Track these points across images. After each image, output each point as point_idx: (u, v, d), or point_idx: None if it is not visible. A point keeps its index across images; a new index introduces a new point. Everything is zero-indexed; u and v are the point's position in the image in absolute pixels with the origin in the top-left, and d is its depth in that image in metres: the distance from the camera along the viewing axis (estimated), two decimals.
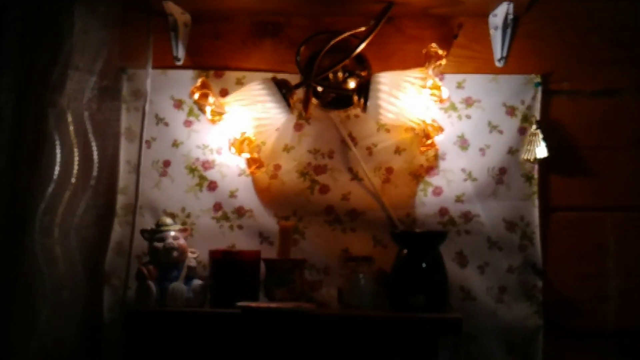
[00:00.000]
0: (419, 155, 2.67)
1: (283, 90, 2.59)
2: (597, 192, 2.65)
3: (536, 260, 2.61)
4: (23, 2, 2.59)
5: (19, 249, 2.48)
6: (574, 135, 2.66)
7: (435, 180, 2.66)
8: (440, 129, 2.59)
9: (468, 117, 2.67)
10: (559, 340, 2.61)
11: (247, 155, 2.64)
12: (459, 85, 2.67)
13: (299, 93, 2.65)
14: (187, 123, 2.71)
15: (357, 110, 2.67)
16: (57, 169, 2.52)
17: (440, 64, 2.56)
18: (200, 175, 2.69)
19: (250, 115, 2.60)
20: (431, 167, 2.67)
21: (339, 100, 2.69)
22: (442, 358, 2.53)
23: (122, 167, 2.70)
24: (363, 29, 2.60)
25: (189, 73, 2.72)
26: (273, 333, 2.50)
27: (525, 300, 2.60)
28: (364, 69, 2.69)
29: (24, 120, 2.58)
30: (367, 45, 2.59)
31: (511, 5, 2.58)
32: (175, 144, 2.70)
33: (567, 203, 2.65)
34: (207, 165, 2.69)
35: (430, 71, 2.55)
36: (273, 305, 2.44)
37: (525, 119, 2.64)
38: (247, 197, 2.69)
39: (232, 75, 2.72)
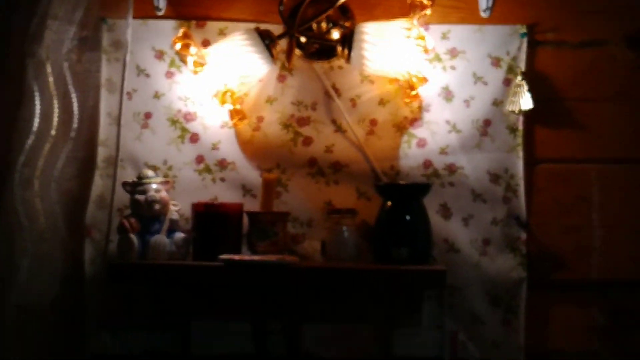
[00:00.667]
0: (403, 107, 2.64)
1: (266, 41, 2.56)
2: (582, 144, 2.64)
3: (520, 212, 2.61)
4: None
5: None
6: (560, 87, 2.65)
7: (419, 132, 2.64)
8: (424, 80, 2.57)
9: (453, 68, 2.64)
10: (543, 292, 2.61)
11: (230, 107, 2.61)
12: (444, 36, 2.65)
13: (282, 44, 2.61)
14: (169, 74, 2.67)
15: (341, 61, 2.64)
16: (36, 120, 2.49)
17: (425, 14, 2.53)
18: (182, 127, 2.66)
19: (233, 66, 2.57)
20: (415, 119, 2.65)
21: (322, 51, 2.66)
22: (425, 310, 2.56)
23: (103, 119, 2.66)
24: None
25: (170, 23, 2.68)
26: (256, 286, 2.50)
27: (509, 252, 2.60)
28: (348, 20, 2.65)
29: (2, 72, 2.55)
30: None
31: None
32: (156, 96, 2.67)
33: (552, 155, 2.64)
34: (189, 117, 2.66)
35: (415, 21, 2.52)
36: (256, 258, 2.43)
37: (511, 70, 2.62)
38: (230, 150, 2.66)
39: (214, 26, 2.68)
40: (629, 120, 2.64)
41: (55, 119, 2.52)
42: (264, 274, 2.41)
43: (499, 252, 2.60)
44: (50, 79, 2.52)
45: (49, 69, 2.52)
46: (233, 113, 2.62)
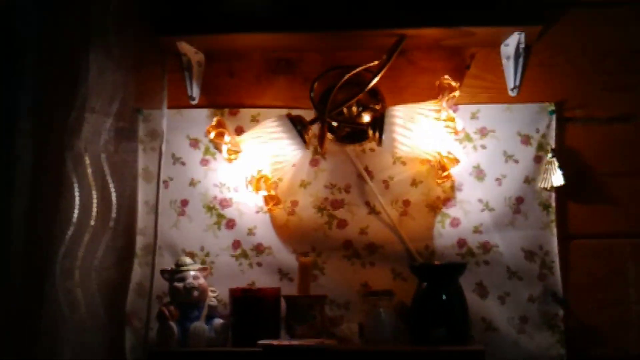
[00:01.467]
0: (436, 187, 2.67)
1: (298, 127, 2.60)
2: (615, 219, 2.65)
3: (556, 289, 2.61)
4: (39, 47, 2.62)
5: (40, 294, 2.50)
6: (590, 162, 2.66)
7: (452, 211, 2.67)
8: (456, 161, 2.59)
9: (483, 147, 2.67)
10: None
11: (264, 193, 2.64)
12: (473, 116, 2.68)
13: (314, 128, 2.65)
14: (204, 162, 2.72)
15: (372, 144, 2.68)
16: (76, 211, 2.53)
17: (454, 96, 2.57)
18: (218, 213, 2.70)
19: (266, 152, 2.61)
20: (448, 199, 2.67)
21: (354, 134, 2.70)
22: None
23: (141, 208, 2.71)
24: (376, 62, 2.61)
25: (204, 112, 2.74)
26: None
27: (547, 329, 2.60)
28: (378, 103, 2.70)
29: (42, 164, 2.61)
30: (381, 79, 2.59)
31: (522, 35, 2.58)
32: (192, 183, 2.72)
33: (586, 230, 2.65)
34: (225, 203, 2.70)
35: (444, 103, 2.56)
36: (295, 342, 2.44)
37: (541, 147, 2.65)
38: (266, 234, 2.69)
39: (246, 113, 2.74)
40: None
41: (94, 209, 2.56)
42: (303, 358, 2.41)
43: (536, 330, 2.60)
44: (89, 170, 2.57)
45: (87, 161, 2.56)
46: (268, 198, 2.65)
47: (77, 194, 2.54)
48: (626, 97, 2.68)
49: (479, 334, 2.58)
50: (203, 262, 2.66)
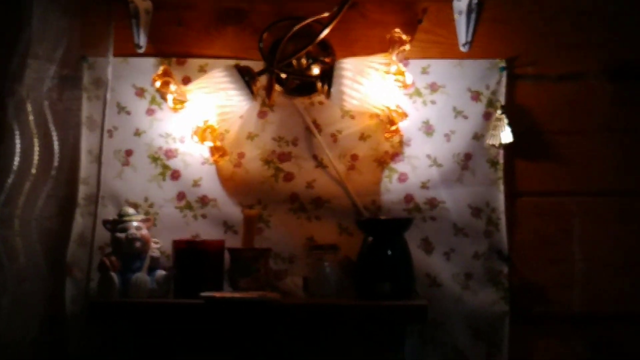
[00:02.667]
0: (384, 142, 2.65)
1: (246, 77, 2.57)
2: (563, 177, 2.65)
3: (502, 246, 2.61)
4: None
5: None
6: (539, 120, 2.66)
7: (400, 166, 2.65)
8: (404, 115, 2.58)
9: (433, 102, 2.65)
10: (525, 325, 2.61)
11: (210, 144, 2.62)
12: (424, 71, 2.66)
13: (263, 80, 2.62)
14: (150, 111, 2.68)
15: (321, 97, 2.65)
16: (16, 159, 2.49)
17: (404, 49, 2.55)
18: (163, 164, 2.66)
19: (213, 102, 2.58)
20: (396, 154, 2.65)
21: (303, 87, 2.67)
22: (408, 345, 2.54)
23: (84, 157, 2.66)
24: (327, 14, 2.58)
25: (150, 61, 2.69)
26: (238, 323, 2.48)
27: (491, 286, 2.60)
28: (328, 55, 2.67)
29: None
30: (331, 31, 2.57)
31: None
32: (137, 133, 2.67)
33: (533, 188, 2.65)
34: (170, 154, 2.67)
35: (394, 57, 2.54)
36: (237, 295, 2.42)
37: (491, 103, 2.63)
38: (211, 186, 2.66)
39: (194, 63, 2.69)
40: (610, 152, 2.65)
41: (36, 158, 2.52)
42: (245, 310, 2.40)
43: (481, 286, 2.60)
44: (31, 117, 2.53)
45: (29, 108, 2.52)
46: (214, 150, 2.62)
47: (18, 141, 2.51)
48: (577, 55, 2.67)
49: (423, 290, 2.57)
50: (147, 213, 2.63)
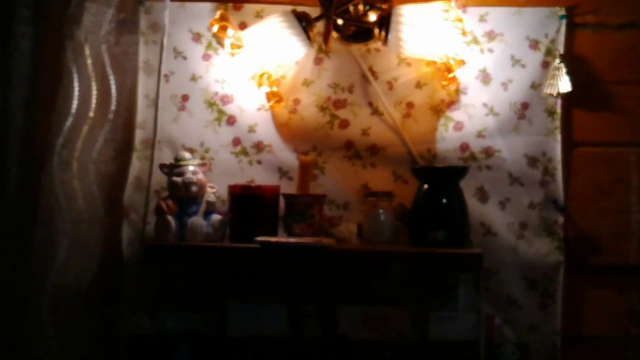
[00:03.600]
0: (440, 90, 2.63)
1: (303, 23, 2.55)
2: (621, 128, 2.62)
3: (558, 196, 2.59)
4: None
5: (38, 184, 2.49)
6: (598, 70, 2.62)
7: (456, 115, 2.63)
8: (462, 62, 2.56)
9: (490, 50, 2.63)
10: (580, 276, 2.60)
11: (267, 89, 2.61)
12: (482, 19, 2.63)
13: (319, 26, 2.60)
14: (206, 57, 2.68)
15: (377, 44, 2.63)
16: (75, 102, 2.51)
17: None
18: (219, 109, 2.67)
19: (270, 48, 2.57)
20: (452, 102, 2.63)
21: (359, 33, 2.65)
22: (462, 293, 2.56)
23: (141, 101, 2.67)
24: None
25: (207, 5, 2.67)
26: (292, 268, 2.50)
27: (546, 236, 2.59)
28: (385, 2, 2.63)
29: (41, 53, 2.57)
30: None
31: None
32: (193, 78, 2.67)
33: (590, 138, 2.62)
34: (226, 99, 2.67)
35: (452, 3, 2.51)
36: (292, 240, 2.44)
37: (549, 52, 2.60)
38: (266, 132, 2.66)
39: (251, 8, 2.67)
40: None
41: (94, 101, 2.54)
42: (300, 256, 2.41)
43: (536, 236, 2.59)
44: (89, 61, 2.54)
45: (87, 51, 2.54)
46: (270, 95, 2.62)
47: (76, 84, 2.52)
48: (637, 3, 2.62)
49: (478, 238, 2.56)
50: (203, 158, 2.63)
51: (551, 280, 2.58)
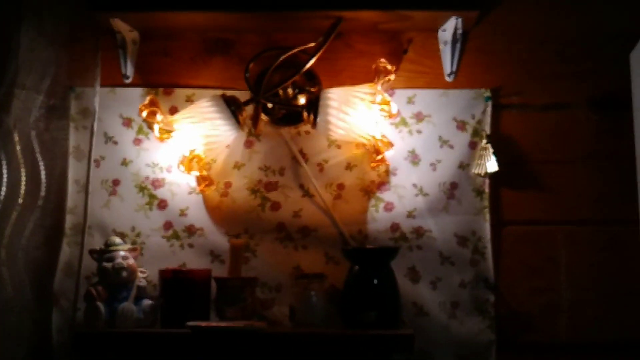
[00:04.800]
0: (370, 171, 2.66)
1: (232, 107, 2.58)
2: (548, 206, 2.66)
3: (488, 274, 2.62)
4: None
5: None
6: (525, 150, 2.67)
7: (386, 195, 2.66)
8: (390, 144, 2.59)
9: (419, 132, 2.67)
10: (512, 354, 2.61)
11: (197, 173, 2.62)
12: (410, 100, 2.67)
13: (249, 110, 2.63)
14: (137, 141, 2.69)
15: (307, 127, 2.66)
16: (3, 189, 2.49)
17: (390, 79, 2.56)
18: (150, 193, 2.67)
19: (200, 132, 2.58)
20: (382, 183, 2.66)
21: (289, 116, 2.68)
22: None
23: (71, 187, 2.66)
24: (313, 44, 2.59)
25: (137, 91, 2.70)
26: (225, 352, 2.47)
27: (478, 315, 2.60)
28: (314, 85, 2.68)
29: None
30: (317, 61, 2.58)
31: (460, 20, 2.59)
32: (124, 163, 2.68)
33: (518, 217, 2.66)
34: (157, 183, 2.67)
35: (379, 86, 2.55)
36: (223, 324, 2.42)
37: (476, 133, 2.65)
38: (198, 215, 2.66)
39: (181, 93, 2.70)
40: (594, 182, 2.66)
41: (23, 187, 2.52)
42: (232, 340, 2.39)
43: (467, 315, 2.60)
44: (18, 147, 2.53)
45: (16, 138, 2.53)
46: (200, 179, 2.62)
47: (5, 171, 2.51)
48: (561, 85, 2.69)
49: (410, 319, 2.57)
50: (134, 243, 2.63)
51: (484, 358, 2.59)
